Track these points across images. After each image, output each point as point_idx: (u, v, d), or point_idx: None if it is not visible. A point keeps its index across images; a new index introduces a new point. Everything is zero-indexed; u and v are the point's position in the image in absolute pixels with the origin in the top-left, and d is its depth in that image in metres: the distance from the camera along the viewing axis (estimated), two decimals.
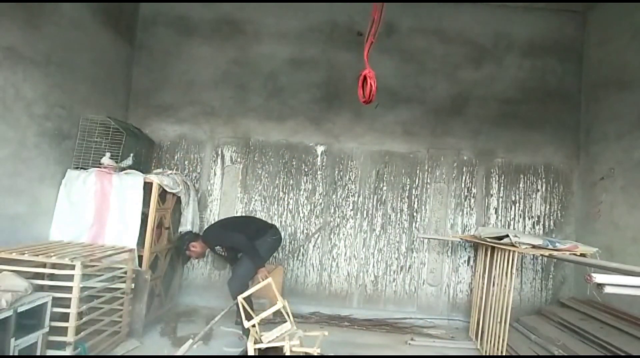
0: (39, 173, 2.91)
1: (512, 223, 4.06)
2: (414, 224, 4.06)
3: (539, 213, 4.06)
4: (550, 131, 4.09)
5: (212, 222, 4.05)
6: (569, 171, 4.09)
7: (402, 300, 4.00)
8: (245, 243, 3.09)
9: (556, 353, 2.78)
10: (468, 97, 4.12)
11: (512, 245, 2.78)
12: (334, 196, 4.06)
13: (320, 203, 4.06)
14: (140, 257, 3.05)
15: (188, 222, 3.70)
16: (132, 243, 3.00)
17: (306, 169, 4.08)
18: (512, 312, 2.89)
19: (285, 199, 4.07)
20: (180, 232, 3.74)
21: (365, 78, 2.17)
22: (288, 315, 2.31)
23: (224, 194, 4.10)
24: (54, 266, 2.41)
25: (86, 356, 2.43)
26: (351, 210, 4.05)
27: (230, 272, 3.60)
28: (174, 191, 3.40)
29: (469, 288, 3.98)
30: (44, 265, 2.46)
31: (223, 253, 3.57)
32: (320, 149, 4.12)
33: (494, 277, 3.08)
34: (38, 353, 2.21)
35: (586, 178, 3.95)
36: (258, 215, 4.06)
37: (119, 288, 2.76)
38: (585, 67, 4.09)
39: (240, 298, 2.28)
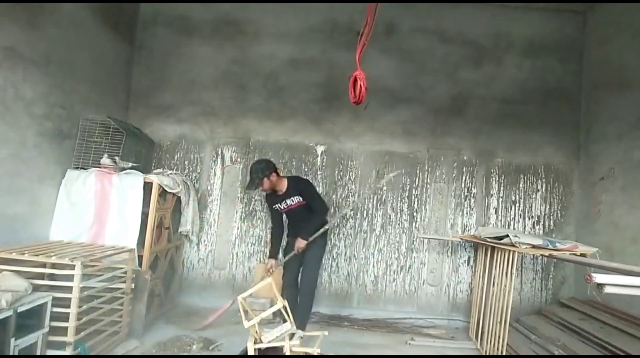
0: (39, 173, 2.91)
1: (512, 223, 4.06)
2: (414, 224, 4.06)
3: (539, 213, 4.06)
4: (550, 131, 4.09)
5: (212, 222, 4.07)
6: (569, 171, 4.09)
7: (402, 300, 4.00)
8: (324, 207, 3.14)
9: (556, 353, 2.78)
10: (468, 97, 4.12)
11: (512, 245, 2.78)
12: (334, 196, 4.06)
13: None
14: (140, 257, 3.05)
15: (188, 222, 3.71)
16: (132, 243, 3.00)
17: (306, 169, 4.08)
18: (512, 312, 2.89)
19: None
20: (181, 232, 3.74)
21: (356, 79, 2.19)
22: (288, 315, 2.30)
23: (224, 194, 4.10)
24: (54, 266, 2.41)
25: (86, 356, 2.43)
26: (351, 210, 4.05)
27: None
28: (174, 191, 3.40)
29: (469, 288, 3.98)
30: (44, 265, 2.46)
31: (281, 208, 3.18)
32: (320, 149, 4.12)
33: (494, 277, 3.08)
34: (38, 353, 2.21)
35: (586, 178, 3.95)
36: (258, 215, 4.07)
37: (119, 288, 2.76)
38: (585, 67, 4.09)
39: (240, 298, 2.28)
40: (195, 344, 2.89)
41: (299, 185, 3.16)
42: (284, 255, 3.27)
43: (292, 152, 4.10)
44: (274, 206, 3.22)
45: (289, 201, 3.12)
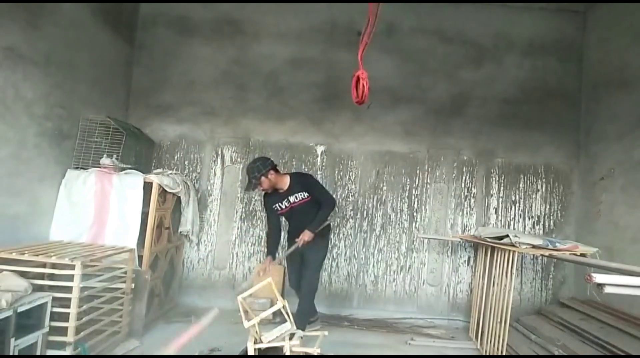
0: (39, 173, 2.91)
1: (512, 223, 4.06)
2: (414, 224, 4.06)
3: (539, 213, 4.06)
4: (550, 131, 4.09)
5: (212, 222, 4.07)
6: (569, 171, 4.09)
7: (402, 300, 4.00)
8: (332, 199, 3.03)
9: (556, 353, 2.78)
10: (468, 97, 4.12)
11: (512, 245, 2.78)
12: (334, 196, 4.05)
13: None
14: (140, 257, 3.05)
15: (188, 222, 3.71)
16: (132, 243, 3.00)
17: (306, 169, 4.07)
18: (512, 312, 2.89)
19: None
20: (181, 232, 3.74)
21: (358, 79, 2.19)
22: (288, 315, 2.30)
23: (224, 194, 4.10)
24: (54, 266, 2.41)
25: (86, 356, 2.43)
26: (351, 210, 4.05)
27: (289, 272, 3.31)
28: (174, 191, 3.40)
29: (469, 288, 3.97)
30: (44, 265, 2.46)
31: (284, 207, 3.02)
32: (320, 149, 4.12)
33: (494, 277, 3.08)
34: (38, 353, 2.21)
35: (586, 178, 3.95)
36: (258, 215, 4.07)
37: (119, 288, 2.76)
38: (585, 67, 4.09)
39: (240, 298, 2.28)
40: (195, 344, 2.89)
41: (303, 181, 3.03)
42: (288, 247, 3.12)
43: (292, 152, 4.10)
44: (273, 206, 3.05)
45: (292, 199, 2.96)
